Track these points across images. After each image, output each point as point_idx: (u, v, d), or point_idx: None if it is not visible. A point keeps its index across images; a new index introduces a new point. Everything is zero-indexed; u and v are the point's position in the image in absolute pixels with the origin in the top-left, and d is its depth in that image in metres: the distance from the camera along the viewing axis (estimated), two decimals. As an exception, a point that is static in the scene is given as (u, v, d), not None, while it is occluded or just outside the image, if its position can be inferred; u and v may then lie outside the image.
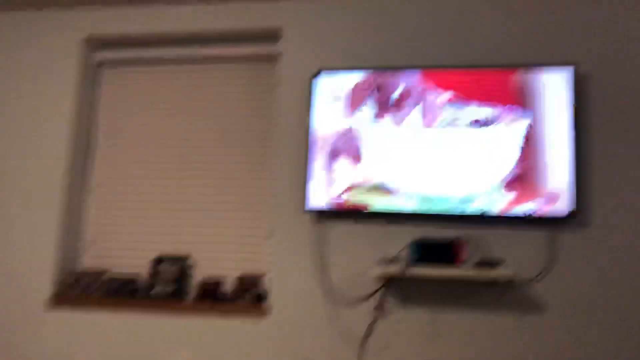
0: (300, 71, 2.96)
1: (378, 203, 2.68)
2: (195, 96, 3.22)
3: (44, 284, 3.03)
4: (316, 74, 2.83)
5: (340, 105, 2.78)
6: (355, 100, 2.78)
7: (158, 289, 2.97)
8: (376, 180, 2.71)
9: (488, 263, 2.54)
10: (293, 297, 2.78)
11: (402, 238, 2.71)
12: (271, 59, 3.13)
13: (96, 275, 3.04)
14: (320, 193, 2.74)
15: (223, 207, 3.09)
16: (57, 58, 3.27)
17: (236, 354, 2.79)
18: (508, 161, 2.59)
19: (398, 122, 2.71)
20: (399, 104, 2.72)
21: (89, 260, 3.19)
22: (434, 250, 2.56)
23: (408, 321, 2.65)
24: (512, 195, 2.56)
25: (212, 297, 2.90)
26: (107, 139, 3.30)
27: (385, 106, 2.74)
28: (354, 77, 2.79)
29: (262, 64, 3.16)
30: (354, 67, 2.89)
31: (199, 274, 3.04)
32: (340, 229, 2.79)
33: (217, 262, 3.05)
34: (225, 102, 3.18)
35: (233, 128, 3.14)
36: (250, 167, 3.09)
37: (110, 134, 3.30)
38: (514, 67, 2.66)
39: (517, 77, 2.64)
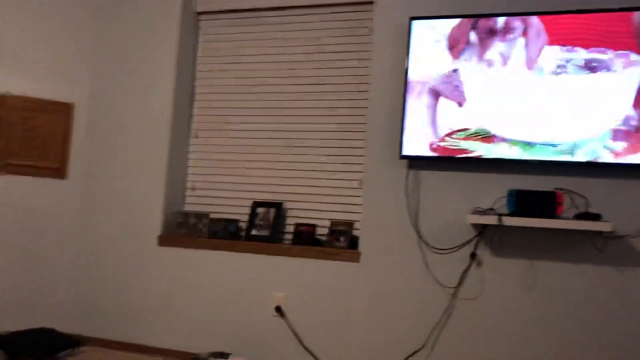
0: (396, 16, 2.92)
1: (478, 149, 2.65)
2: (291, 44, 3.27)
3: (156, 223, 3.27)
4: (413, 19, 2.79)
5: (439, 48, 2.73)
6: (455, 43, 2.72)
7: (256, 231, 3.13)
8: (477, 125, 2.66)
9: (590, 214, 2.46)
10: (385, 244, 2.84)
11: (500, 186, 2.67)
12: (367, 3, 3.10)
13: (200, 217, 3.24)
14: (416, 139, 2.74)
15: (317, 157, 3.17)
16: (160, 6, 3.41)
17: (329, 294, 2.90)
18: (619, 109, 2.46)
19: (501, 65, 2.63)
20: (502, 40, 2.63)
21: (191, 205, 3.40)
22: (532, 200, 2.51)
23: (502, 271, 2.64)
24: (622, 143, 2.44)
25: (307, 240, 3.02)
26: (205, 88, 3.45)
27: (487, 46, 2.66)
28: (453, 22, 2.72)
29: (358, 9, 3.14)
30: (451, 14, 2.81)
31: (292, 221, 3.16)
32: (435, 176, 2.79)
33: (310, 210, 3.15)
34: (321, 50, 3.21)
35: (328, 75, 3.18)
36: (345, 115, 3.13)
37: (208, 82, 3.44)
38: (631, 9, 2.49)
39: (634, 19, 2.47)
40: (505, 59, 2.63)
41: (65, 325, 3.30)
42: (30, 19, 3.30)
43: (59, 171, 3.33)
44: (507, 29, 2.64)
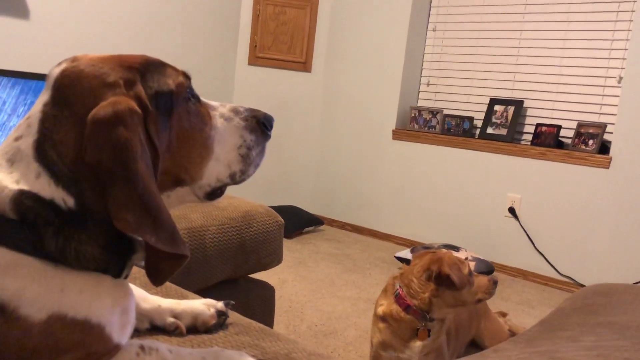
0: None
1: None
2: None
3: (391, 117, 3.37)
4: None
5: None
6: None
7: (492, 130, 3.02)
8: None
9: None
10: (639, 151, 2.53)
11: None
12: None
13: (433, 113, 3.23)
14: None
15: (563, 50, 2.86)
16: None
17: (570, 200, 2.73)
18: None
19: None
20: None
21: (425, 101, 3.39)
22: None
23: None
24: None
25: (548, 142, 2.83)
26: (446, -22, 3.28)
27: None
28: None
29: None
30: None
31: (533, 120, 2.97)
32: None
33: (553, 110, 2.91)
34: None
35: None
36: (597, 7, 2.73)
37: (450, -28, 3.26)
38: None
39: None
40: None
41: (308, 206, 3.68)
42: None
43: (304, 65, 3.57)
44: None
